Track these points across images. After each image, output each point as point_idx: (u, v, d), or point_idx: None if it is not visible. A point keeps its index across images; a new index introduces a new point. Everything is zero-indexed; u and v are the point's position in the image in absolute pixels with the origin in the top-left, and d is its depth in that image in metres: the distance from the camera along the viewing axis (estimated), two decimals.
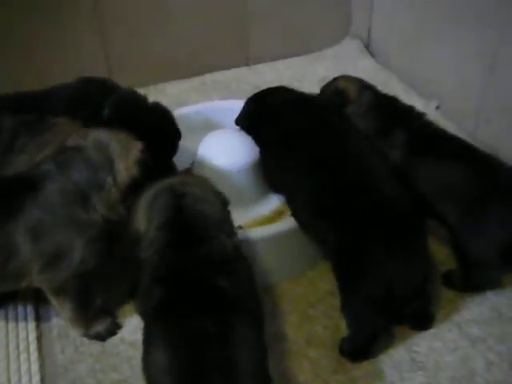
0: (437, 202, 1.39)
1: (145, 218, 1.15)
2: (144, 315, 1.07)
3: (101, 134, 1.29)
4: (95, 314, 1.34)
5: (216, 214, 1.14)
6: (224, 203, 1.21)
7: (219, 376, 0.93)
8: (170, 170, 1.59)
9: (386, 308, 1.22)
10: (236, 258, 1.10)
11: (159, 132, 1.51)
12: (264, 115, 1.56)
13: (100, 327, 1.33)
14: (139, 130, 1.37)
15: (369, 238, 1.21)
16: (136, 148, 1.30)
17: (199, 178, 1.29)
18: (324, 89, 1.67)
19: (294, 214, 1.42)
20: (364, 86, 1.62)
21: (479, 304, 1.38)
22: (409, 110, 1.56)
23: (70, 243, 1.22)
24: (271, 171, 1.53)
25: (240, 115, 1.64)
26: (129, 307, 1.39)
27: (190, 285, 1.02)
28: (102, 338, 1.33)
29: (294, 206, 1.43)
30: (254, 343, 0.99)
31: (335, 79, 1.69)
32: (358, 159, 1.34)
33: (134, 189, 1.28)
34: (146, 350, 0.99)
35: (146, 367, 0.98)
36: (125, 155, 1.28)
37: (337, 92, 1.62)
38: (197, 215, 1.12)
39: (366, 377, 1.23)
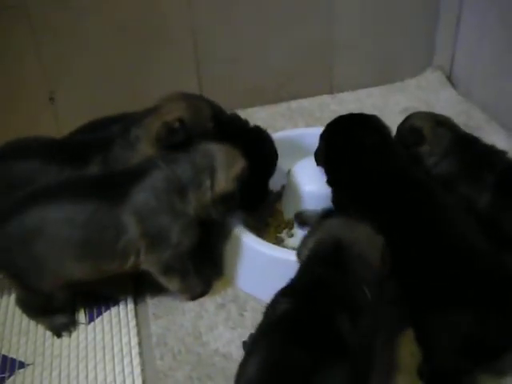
0: None
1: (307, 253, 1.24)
2: (263, 323, 1.13)
3: (210, 144, 1.45)
4: (194, 280, 1.52)
5: (367, 269, 1.18)
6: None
7: None
8: (266, 191, 1.69)
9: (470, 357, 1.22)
10: (365, 309, 1.12)
11: (261, 154, 1.62)
12: (342, 158, 1.52)
13: (199, 289, 1.53)
14: (243, 151, 1.47)
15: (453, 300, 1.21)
16: (239, 165, 1.43)
17: (370, 235, 1.26)
18: (400, 127, 1.65)
19: None
20: (439, 123, 1.59)
21: None
22: (492, 150, 1.55)
23: (168, 227, 1.37)
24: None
25: (317, 152, 1.62)
26: (221, 320, 1.48)
27: (312, 314, 1.07)
28: (201, 294, 1.54)
29: None
30: None
31: (408, 117, 1.66)
32: (451, 221, 1.32)
33: (225, 200, 1.43)
34: (247, 353, 1.07)
35: (240, 368, 1.06)
36: (227, 168, 1.43)
37: (412, 130, 1.60)
38: (350, 262, 1.16)
39: None
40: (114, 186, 1.39)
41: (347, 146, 1.52)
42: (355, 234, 1.22)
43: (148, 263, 1.41)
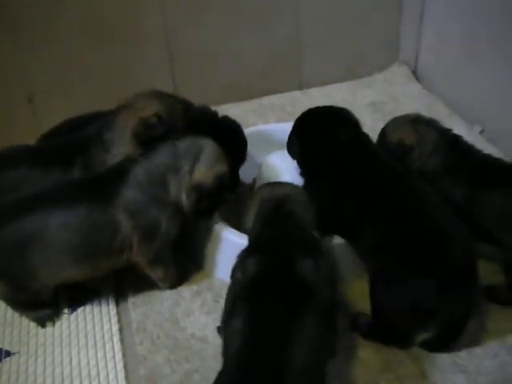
0: (496, 230, 1.48)
1: (252, 219, 1.38)
2: (235, 283, 1.24)
3: (202, 139, 1.52)
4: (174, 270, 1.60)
5: (308, 217, 1.35)
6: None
7: (274, 351, 1.06)
8: (237, 180, 1.77)
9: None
10: (321, 250, 1.28)
11: (231, 143, 1.67)
12: (320, 150, 1.58)
13: (177, 278, 1.61)
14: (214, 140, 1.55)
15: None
16: (223, 167, 1.51)
17: (298, 190, 1.45)
18: (387, 141, 1.66)
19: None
20: (415, 122, 1.62)
21: None
22: (472, 149, 1.60)
23: (157, 217, 1.45)
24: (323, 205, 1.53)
25: (290, 146, 1.69)
26: (196, 306, 1.56)
27: (278, 269, 1.20)
28: (179, 283, 1.62)
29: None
30: (317, 334, 1.12)
31: (390, 129, 1.66)
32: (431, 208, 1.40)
33: (197, 192, 1.48)
34: (229, 313, 1.18)
35: (225, 326, 1.18)
36: (211, 164, 1.49)
37: (397, 144, 1.61)
38: (292, 213, 1.33)
39: (411, 376, 1.36)
40: (103, 187, 1.45)
41: (321, 139, 1.59)
42: (285, 190, 1.40)
43: (139, 254, 1.47)
